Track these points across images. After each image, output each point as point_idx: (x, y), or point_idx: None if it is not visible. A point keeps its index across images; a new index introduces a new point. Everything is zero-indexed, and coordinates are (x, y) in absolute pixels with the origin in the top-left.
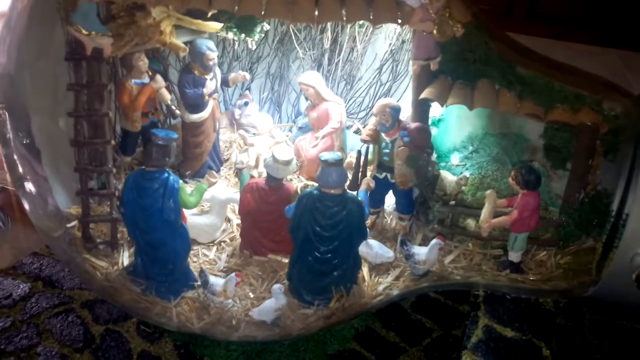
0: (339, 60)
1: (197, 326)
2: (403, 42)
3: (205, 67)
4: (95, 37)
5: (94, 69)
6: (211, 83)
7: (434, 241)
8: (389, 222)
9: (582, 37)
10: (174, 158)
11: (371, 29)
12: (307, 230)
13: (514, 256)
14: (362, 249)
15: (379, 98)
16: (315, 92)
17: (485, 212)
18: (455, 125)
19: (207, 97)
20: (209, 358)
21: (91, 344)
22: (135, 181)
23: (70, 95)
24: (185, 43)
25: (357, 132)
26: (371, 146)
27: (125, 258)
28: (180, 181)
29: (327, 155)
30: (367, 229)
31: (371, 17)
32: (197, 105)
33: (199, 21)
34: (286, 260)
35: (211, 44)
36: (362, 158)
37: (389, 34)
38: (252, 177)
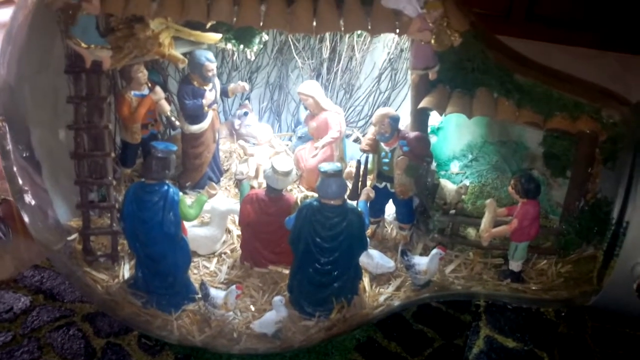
0: (337, 70)
1: (199, 339)
2: (401, 50)
3: (205, 78)
4: (94, 50)
5: (93, 81)
6: (210, 94)
7: (434, 251)
8: (389, 231)
9: (581, 40)
10: (173, 170)
11: (370, 38)
12: (307, 242)
13: (515, 265)
14: (363, 259)
15: (378, 107)
16: (314, 101)
17: (485, 222)
18: (454, 133)
19: (206, 108)
20: None
21: (92, 357)
22: (135, 194)
23: (70, 108)
24: (184, 54)
25: (357, 140)
26: (370, 155)
27: (125, 271)
28: (180, 193)
29: (327, 166)
30: (368, 240)
31: (369, 27)
32: (196, 116)
33: (198, 32)
34: (287, 272)
35: (210, 55)
36: (362, 167)
37: (388, 43)
38: (252, 187)
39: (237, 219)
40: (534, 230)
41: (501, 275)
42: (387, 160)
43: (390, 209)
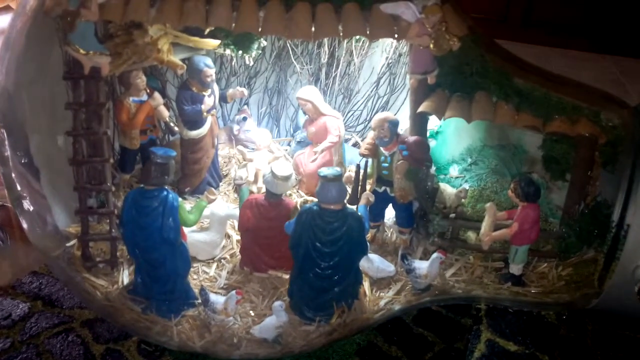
0: (336, 74)
1: (199, 345)
2: (400, 55)
3: (203, 83)
4: (93, 56)
5: (92, 88)
6: (209, 99)
7: (434, 255)
8: (389, 235)
9: (577, 44)
10: (173, 176)
11: (368, 43)
12: (307, 247)
13: (515, 269)
14: (363, 263)
15: (377, 111)
16: (313, 106)
17: (485, 225)
18: (453, 137)
19: (205, 114)
20: None
21: None
22: (135, 200)
23: (68, 114)
24: (183, 60)
25: (356, 145)
26: (370, 160)
27: (125, 277)
28: (180, 199)
29: (326, 171)
30: (368, 244)
31: (368, 32)
32: (195, 121)
33: (196, 38)
34: (287, 277)
35: (209, 61)
36: (361, 172)
37: (386, 47)
38: (251, 192)
39: (236, 224)
40: (534, 234)
41: (502, 278)
42: (386, 164)
43: (389, 213)
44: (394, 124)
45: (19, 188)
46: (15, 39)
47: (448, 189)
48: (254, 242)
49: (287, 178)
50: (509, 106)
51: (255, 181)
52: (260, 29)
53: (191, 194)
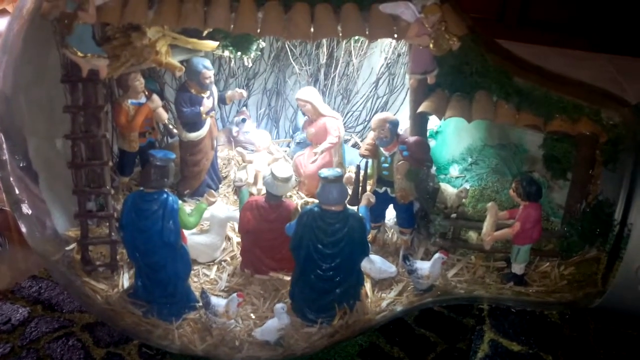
0: (335, 75)
1: (200, 348)
2: (399, 55)
3: (202, 85)
4: (91, 59)
5: (90, 90)
6: (208, 101)
7: (436, 255)
8: (390, 236)
9: (574, 43)
10: (172, 178)
11: (367, 43)
12: (308, 248)
13: (518, 268)
14: (365, 264)
15: (376, 112)
16: (312, 107)
17: (487, 225)
18: (453, 137)
19: (204, 116)
20: None
21: None
22: (134, 203)
23: (67, 118)
24: (181, 62)
25: (355, 145)
26: (370, 161)
27: (125, 280)
28: (180, 202)
29: (327, 172)
30: (369, 245)
31: (367, 32)
32: (194, 123)
33: (195, 40)
34: (288, 278)
35: (207, 62)
36: (362, 173)
37: (385, 47)
38: (251, 194)
39: (236, 226)
40: (536, 233)
41: (504, 278)
42: (386, 165)
43: (390, 214)
44: (394, 124)
45: (17, 192)
46: (13, 42)
47: (449, 189)
48: (255, 244)
49: (287, 180)
50: (510, 105)
51: (255, 183)
52: (259, 30)
53: (191, 196)
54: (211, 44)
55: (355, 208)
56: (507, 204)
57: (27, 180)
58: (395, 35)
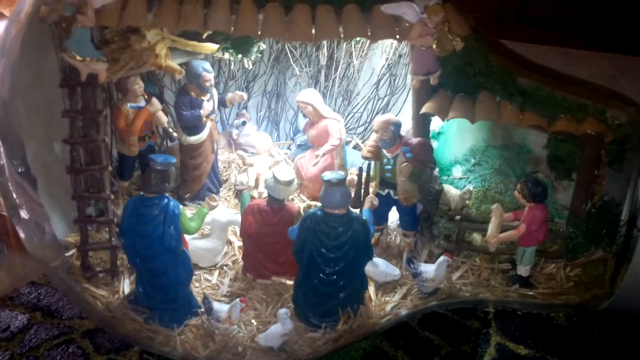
0: (335, 76)
1: (203, 354)
2: (400, 56)
3: (202, 88)
4: (89, 62)
5: (88, 94)
6: (208, 104)
7: (441, 258)
8: (393, 238)
9: (572, 42)
10: (173, 183)
11: (367, 44)
12: (312, 252)
13: (523, 270)
14: (368, 268)
15: (377, 113)
16: (313, 109)
17: (492, 227)
18: (455, 137)
19: (204, 119)
20: None
21: None
22: (135, 208)
23: (65, 122)
24: (180, 65)
25: (356, 147)
26: (372, 163)
27: (126, 286)
28: (181, 206)
29: (330, 175)
30: (373, 248)
31: (369, 33)
32: (194, 127)
33: (194, 42)
34: (290, 282)
35: (207, 65)
36: (364, 175)
37: (386, 48)
38: (252, 198)
39: (237, 230)
40: (542, 235)
41: (509, 280)
42: (389, 167)
43: (393, 216)
44: (397, 125)
45: (15, 197)
46: (10, 46)
47: (452, 191)
48: (257, 248)
49: (289, 183)
50: (513, 106)
51: (256, 186)
52: (259, 32)
53: (191, 200)
54: (211, 47)
55: (357, 210)
56: (510, 206)
57: (25, 185)
58: (398, 36)
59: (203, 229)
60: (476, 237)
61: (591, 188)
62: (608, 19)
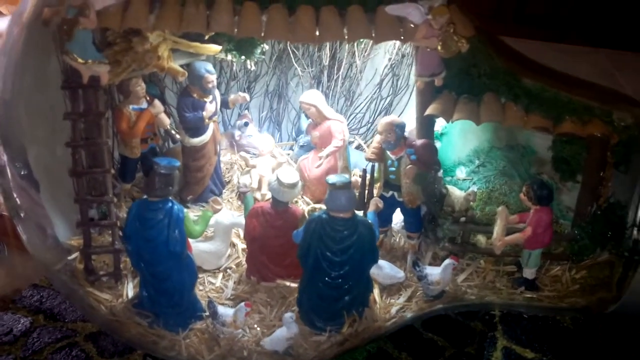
0: (338, 77)
1: (208, 358)
2: (403, 56)
3: (205, 90)
4: (91, 65)
5: (90, 97)
6: (211, 106)
7: (447, 261)
8: (397, 240)
9: (570, 38)
10: (177, 186)
11: (370, 44)
12: (317, 256)
13: (529, 273)
14: (373, 270)
15: (380, 113)
16: (316, 110)
17: (497, 230)
18: (459, 139)
19: (207, 121)
20: None
21: None
22: (139, 212)
23: (67, 125)
24: (182, 66)
25: (359, 148)
26: (376, 164)
27: (129, 289)
28: (185, 210)
29: (335, 179)
30: (378, 251)
31: (373, 34)
32: (197, 129)
33: (197, 44)
34: (295, 285)
35: (209, 67)
36: (368, 177)
37: (389, 48)
38: (255, 199)
39: (241, 232)
40: (548, 237)
41: (515, 283)
42: (393, 168)
43: (397, 218)
44: (401, 127)
45: (18, 200)
46: (12, 48)
47: (456, 192)
48: (261, 251)
49: (293, 185)
50: (518, 107)
51: (259, 188)
52: (263, 34)
53: (194, 202)
54: (214, 48)
55: (361, 213)
56: (515, 207)
57: (28, 188)
58: (402, 38)
59: (206, 232)
60: (480, 239)
61: (597, 190)
62: (606, 15)
